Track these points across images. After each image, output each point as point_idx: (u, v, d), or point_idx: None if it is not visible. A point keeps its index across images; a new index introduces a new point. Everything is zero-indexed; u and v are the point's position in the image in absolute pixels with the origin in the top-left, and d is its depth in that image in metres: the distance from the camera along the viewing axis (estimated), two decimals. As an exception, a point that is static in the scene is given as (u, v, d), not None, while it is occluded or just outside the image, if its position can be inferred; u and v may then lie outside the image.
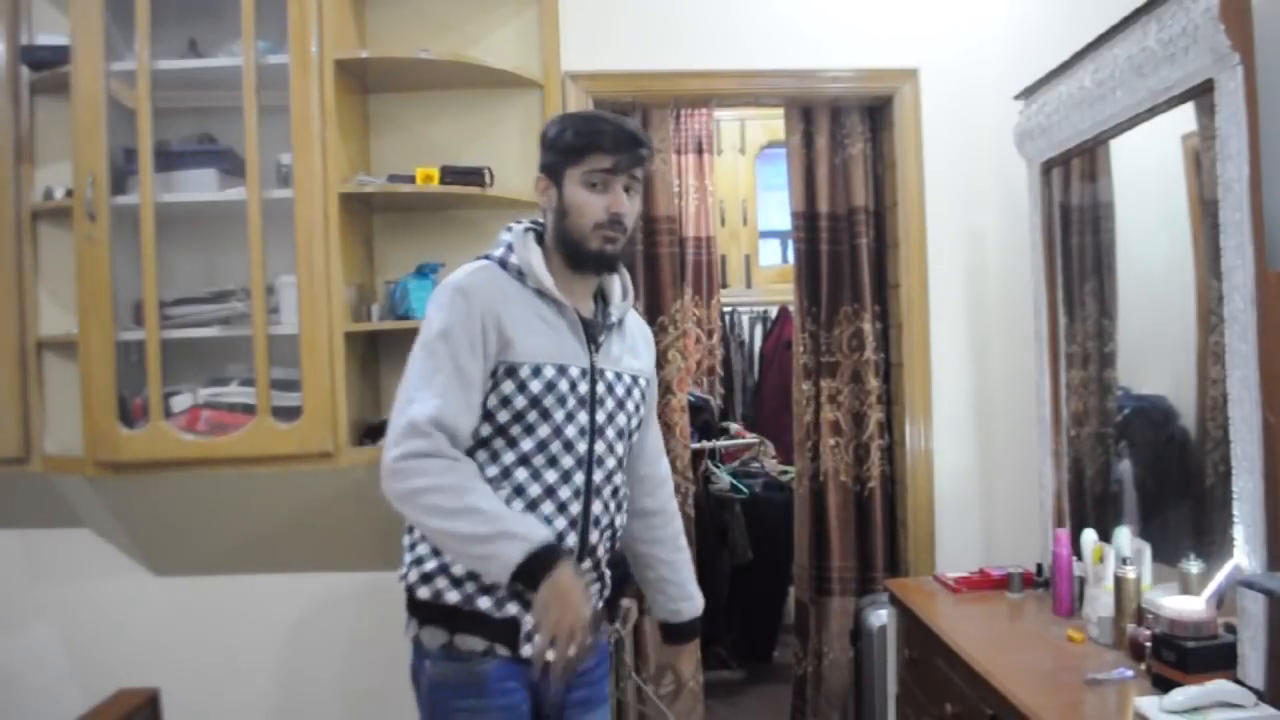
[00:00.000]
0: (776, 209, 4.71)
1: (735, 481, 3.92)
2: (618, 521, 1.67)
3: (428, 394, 1.49)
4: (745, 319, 4.73)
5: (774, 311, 4.64)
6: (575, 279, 1.64)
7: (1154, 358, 2.13)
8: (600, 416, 1.61)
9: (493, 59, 2.60)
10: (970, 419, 2.88)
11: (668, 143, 3.00)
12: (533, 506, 1.54)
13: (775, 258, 5.04)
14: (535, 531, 1.45)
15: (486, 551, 1.43)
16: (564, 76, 2.71)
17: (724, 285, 4.61)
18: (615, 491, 1.66)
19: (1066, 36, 2.17)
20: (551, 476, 1.56)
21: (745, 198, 4.85)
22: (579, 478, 1.58)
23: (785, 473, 3.97)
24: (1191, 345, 1.90)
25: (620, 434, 1.65)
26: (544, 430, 1.56)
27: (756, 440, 4.17)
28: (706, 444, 3.93)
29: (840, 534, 3.00)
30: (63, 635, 2.74)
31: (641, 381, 1.73)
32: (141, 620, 2.73)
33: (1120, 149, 2.12)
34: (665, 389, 2.99)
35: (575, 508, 1.58)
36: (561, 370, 1.57)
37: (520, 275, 1.59)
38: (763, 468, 4.09)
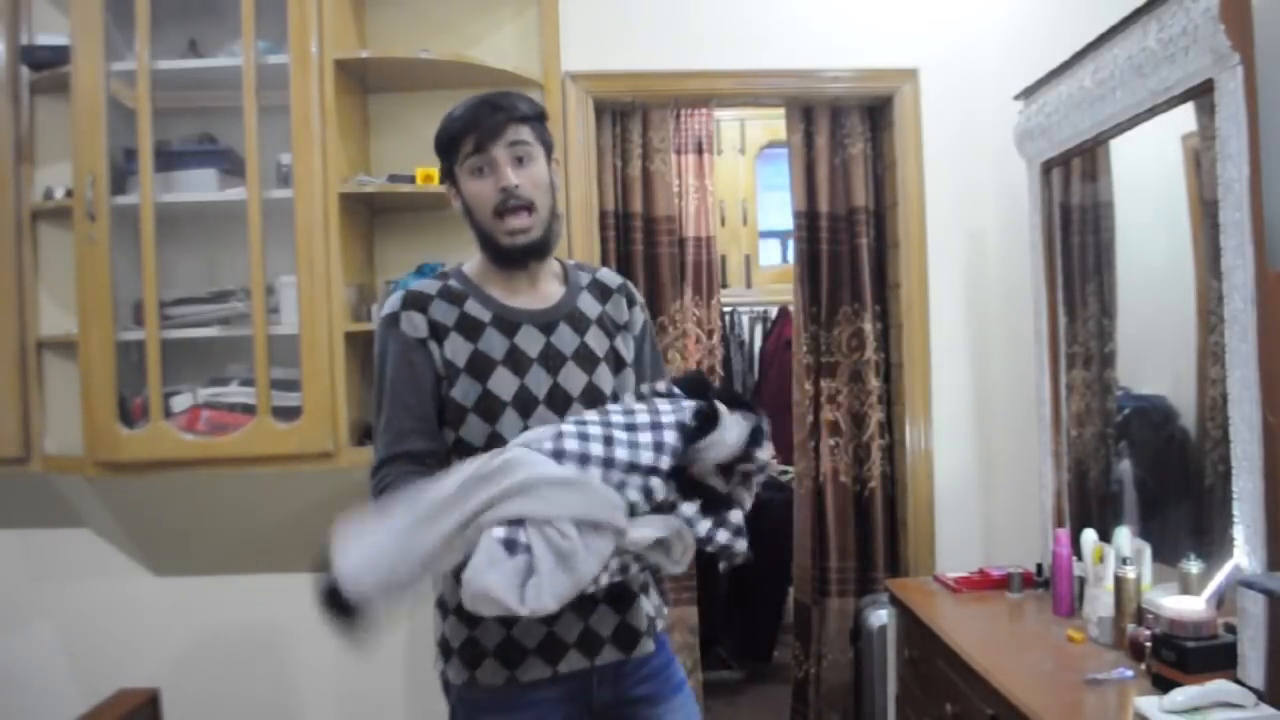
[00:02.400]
0: (776, 209, 4.70)
1: (735, 481, 3.91)
2: None
3: None
4: (745, 319, 4.73)
5: (774, 311, 4.64)
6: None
7: (1154, 358, 2.13)
8: None
9: (493, 59, 2.60)
10: (970, 419, 2.88)
11: (668, 143, 3.01)
12: None
13: (775, 258, 5.03)
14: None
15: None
16: (564, 76, 2.71)
17: (724, 285, 4.61)
18: None
19: (1066, 36, 2.17)
20: None
21: (745, 198, 4.85)
22: None
23: (785, 473, 3.97)
24: (1191, 345, 1.90)
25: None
26: None
27: (756, 440, 4.16)
28: (706, 444, 3.93)
29: (840, 534, 3.00)
30: (63, 635, 2.74)
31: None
32: (141, 620, 2.73)
33: (1120, 149, 2.12)
34: (665, 389, 2.99)
35: None
36: None
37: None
38: (763, 468, 4.09)
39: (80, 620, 2.73)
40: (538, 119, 1.54)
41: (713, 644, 3.82)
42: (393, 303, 1.50)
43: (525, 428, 1.43)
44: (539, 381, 1.48)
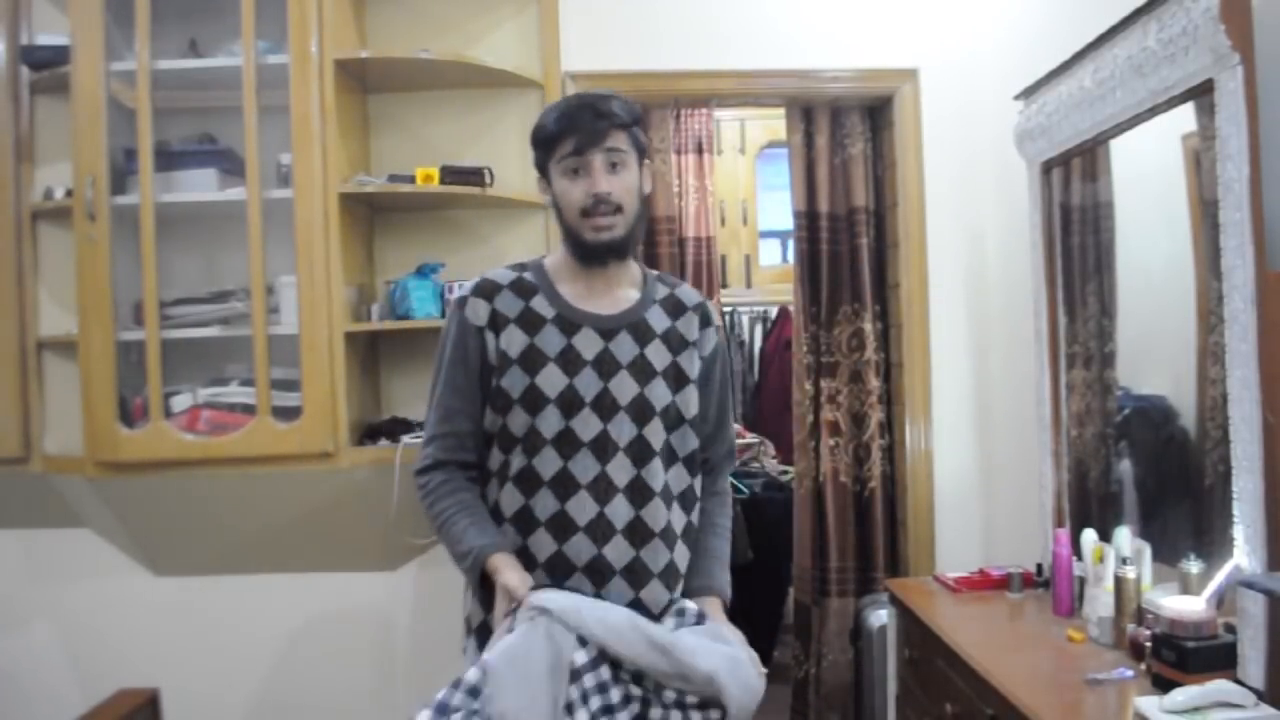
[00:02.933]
0: (776, 209, 4.70)
1: (735, 481, 3.91)
2: None
3: None
4: (745, 319, 4.73)
5: (774, 311, 4.64)
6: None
7: (1154, 358, 2.13)
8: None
9: (493, 59, 2.60)
10: (970, 419, 2.88)
11: (668, 143, 3.01)
12: None
13: (775, 258, 5.04)
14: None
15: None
16: (564, 76, 2.71)
17: (724, 285, 4.61)
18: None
19: (1066, 36, 2.17)
20: None
21: (745, 198, 4.85)
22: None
23: (785, 473, 3.96)
24: (1191, 345, 1.90)
25: None
26: None
27: (756, 440, 4.16)
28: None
29: (840, 534, 3.00)
30: (63, 635, 2.74)
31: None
32: (141, 620, 2.73)
33: (1120, 149, 2.12)
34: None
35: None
36: None
37: None
38: (763, 468, 4.09)
39: (80, 620, 2.73)
40: (635, 124, 1.59)
41: (713, 644, 3.81)
42: (466, 287, 1.61)
43: (566, 427, 1.52)
44: (589, 384, 1.53)
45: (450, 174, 2.46)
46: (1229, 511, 1.64)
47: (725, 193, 4.73)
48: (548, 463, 1.52)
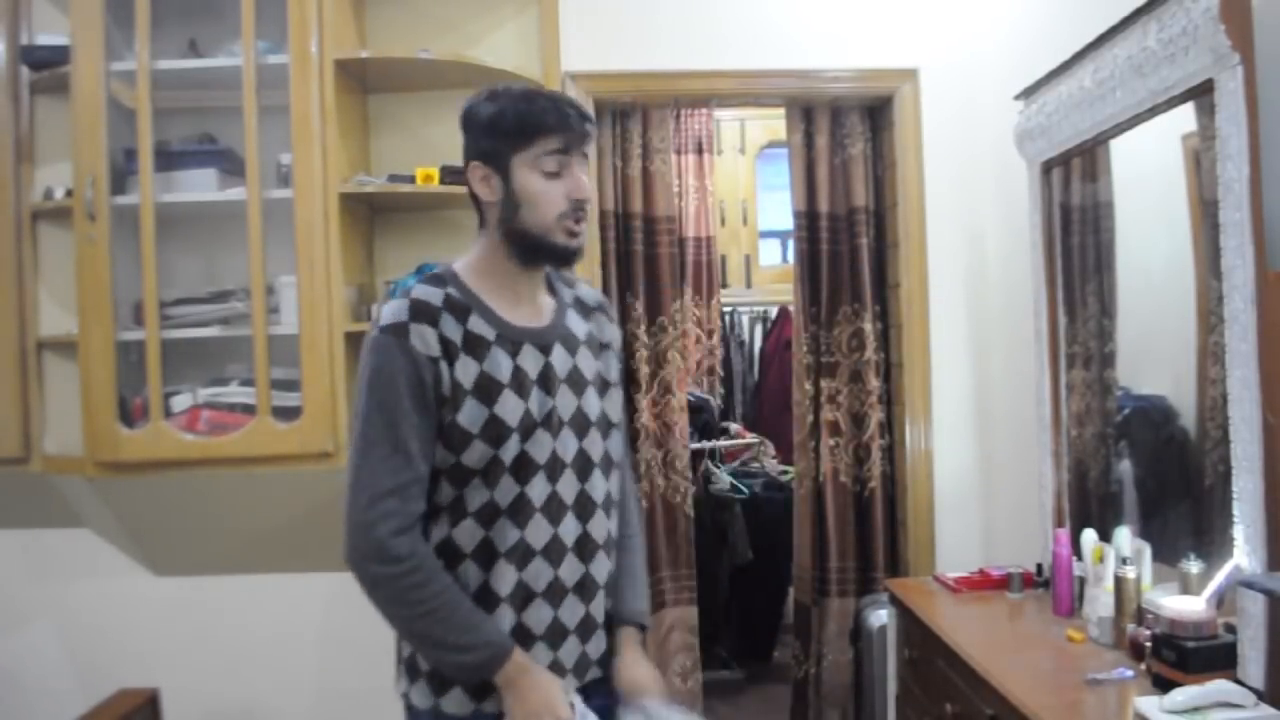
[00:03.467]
0: (776, 209, 4.71)
1: (735, 481, 3.92)
2: None
3: None
4: (745, 319, 4.73)
5: (774, 311, 4.64)
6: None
7: (1154, 358, 2.13)
8: None
9: (493, 59, 2.60)
10: (970, 419, 2.88)
11: (667, 143, 3.01)
12: None
13: (775, 258, 5.04)
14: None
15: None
16: (564, 76, 2.71)
17: (724, 285, 4.62)
18: None
19: (1066, 36, 2.17)
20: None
21: (745, 198, 4.85)
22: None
23: (785, 473, 3.97)
24: (1191, 345, 1.90)
25: None
26: None
27: (756, 440, 4.17)
28: (706, 444, 3.93)
29: (840, 534, 3.00)
30: (63, 635, 2.74)
31: None
32: (141, 620, 2.73)
33: (1120, 149, 2.12)
34: (665, 389, 2.99)
35: None
36: None
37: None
38: (763, 468, 4.09)
39: (80, 620, 2.73)
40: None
41: (713, 644, 3.81)
42: (398, 311, 1.37)
43: (522, 451, 1.40)
44: (539, 404, 1.43)
45: (450, 174, 2.46)
46: (1229, 511, 1.64)
47: (725, 193, 4.73)
48: (505, 491, 1.41)
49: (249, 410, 2.38)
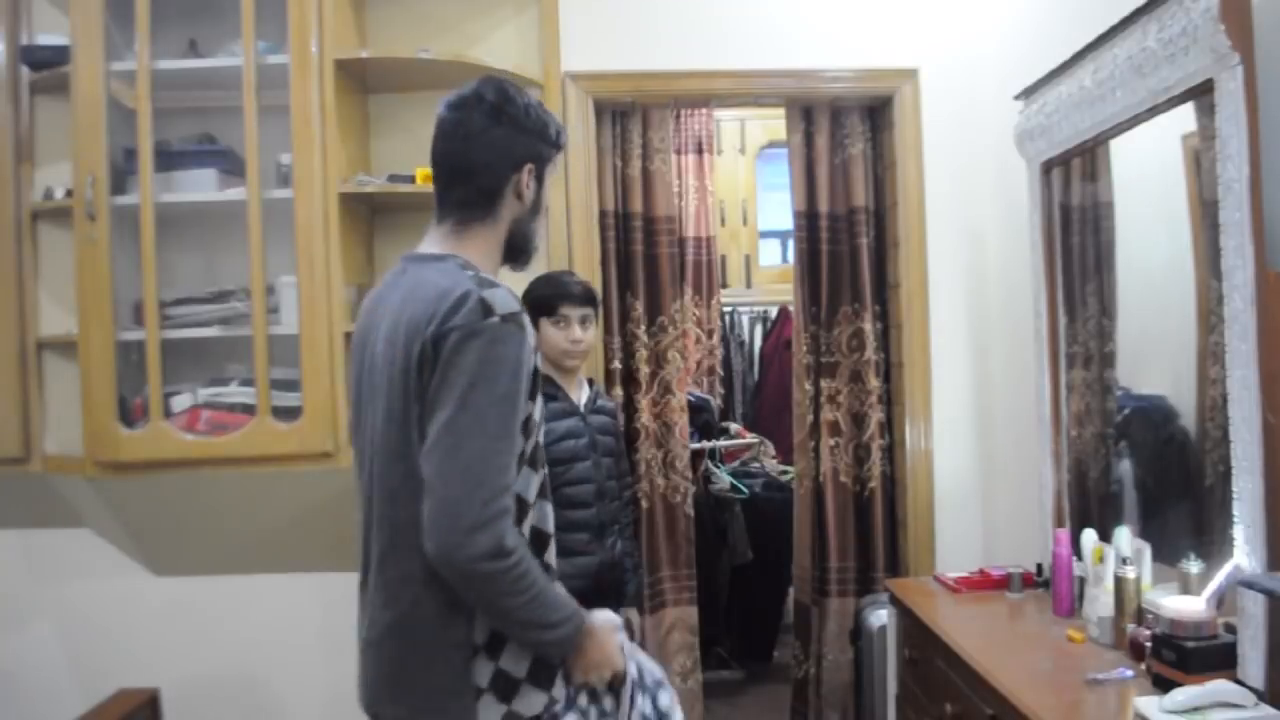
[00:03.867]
0: (776, 209, 4.71)
1: (735, 481, 3.91)
2: None
3: None
4: (745, 319, 4.73)
5: (774, 311, 4.64)
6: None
7: (1154, 358, 2.13)
8: None
9: (493, 59, 2.60)
10: (970, 419, 2.88)
11: (667, 143, 3.00)
12: None
13: (775, 258, 5.04)
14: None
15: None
16: (564, 76, 2.72)
17: (724, 285, 4.62)
18: None
19: (1066, 36, 2.17)
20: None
21: (745, 198, 4.85)
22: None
23: (785, 473, 3.97)
24: (1191, 345, 1.90)
25: None
26: None
27: (756, 440, 4.17)
28: (706, 444, 3.93)
29: (840, 534, 3.00)
30: (63, 635, 2.74)
31: None
32: (141, 620, 2.73)
33: (1120, 149, 2.12)
34: (665, 389, 2.99)
35: None
36: None
37: None
38: (763, 468, 4.09)
39: (80, 620, 2.73)
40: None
41: (713, 644, 3.81)
42: (509, 300, 1.34)
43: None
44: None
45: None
46: (1229, 511, 1.64)
47: (725, 193, 4.73)
48: (547, 518, 1.45)
49: (249, 410, 2.39)
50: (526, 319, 1.35)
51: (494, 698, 1.37)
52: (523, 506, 1.38)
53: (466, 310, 1.30)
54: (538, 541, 1.41)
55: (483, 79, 1.47)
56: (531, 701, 1.39)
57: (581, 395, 2.33)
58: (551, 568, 1.45)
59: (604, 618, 1.46)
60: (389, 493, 1.39)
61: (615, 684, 1.48)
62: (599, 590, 2.23)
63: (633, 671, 1.49)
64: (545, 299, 2.25)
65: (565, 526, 2.11)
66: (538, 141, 1.47)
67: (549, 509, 1.46)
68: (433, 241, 1.48)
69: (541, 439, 1.44)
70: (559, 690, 1.42)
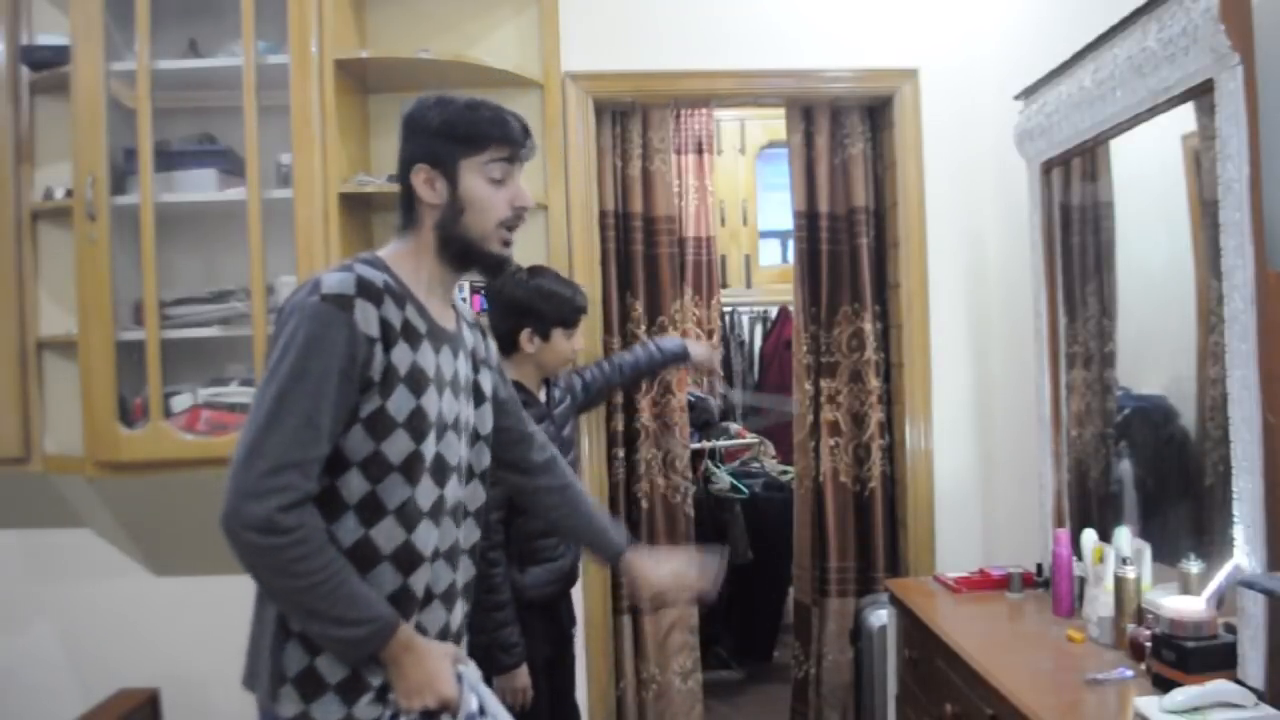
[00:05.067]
0: (776, 209, 4.71)
1: (735, 481, 3.92)
2: None
3: None
4: (745, 319, 4.73)
5: (774, 311, 4.64)
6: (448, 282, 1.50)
7: (1154, 358, 2.13)
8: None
9: (493, 59, 2.60)
10: (970, 419, 2.88)
11: (667, 143, 3.00)
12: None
13: (775, 258, 5.04)
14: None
15: None
16: (564, 76, 2.72)
17: (724, 285, 4.62)
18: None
19: (1066, 36, 2.17)
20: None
21: (745, 198, 4.85)
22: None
23: (785, 473, 3.97)
24: (1191, 345, 1.90)
25: None
26: None
27: (756, 440, 4.17)
28: (706, 444, 3.93)
29: (840, 534, 3.00)
30: (63, 635, 2.74)
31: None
32: (141, 620, 2.73)
33: (1120, 149, 2.12)
34: (665, 389, 2.99)
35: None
36: None
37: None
38: (763, 468, 4.09)
39: (80, 620, 2.73)
40: None
41: (713, 644, 3.82)
42: (343, 283, 1.33)
43: (437, 453, 1.40)
44: (449, 406, 1.44)
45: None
46: (1229, 511, 1.64)
47: (725, 193, 4.73)
48: (425, 492, 1.39)
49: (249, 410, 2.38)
50: (361, 304, 1.32)
51: (295, 692, 1.33)
52: (377, 510, 1.34)
53: (300, 289, 1.35)
54: (399, 559, 1.36)
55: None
56: (329, 710, 1.33)
57: (541, 394, 2.29)
58: (414, 594, 1.38)
59: (433, 642, 1.39)
60: None
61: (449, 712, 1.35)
62: (568, 587, 2.33)
63: (470, 705, 1.36)
64: (569, 314, 2.23)
65: (539, 533, 2.18)
66: (434, 140, 1.46)
67: (433, 533, 1.40)
68: (385, 248, 1.52)
69: (430, 450, 1.38)
70: (365, 710, 1.34)
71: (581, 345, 2.34)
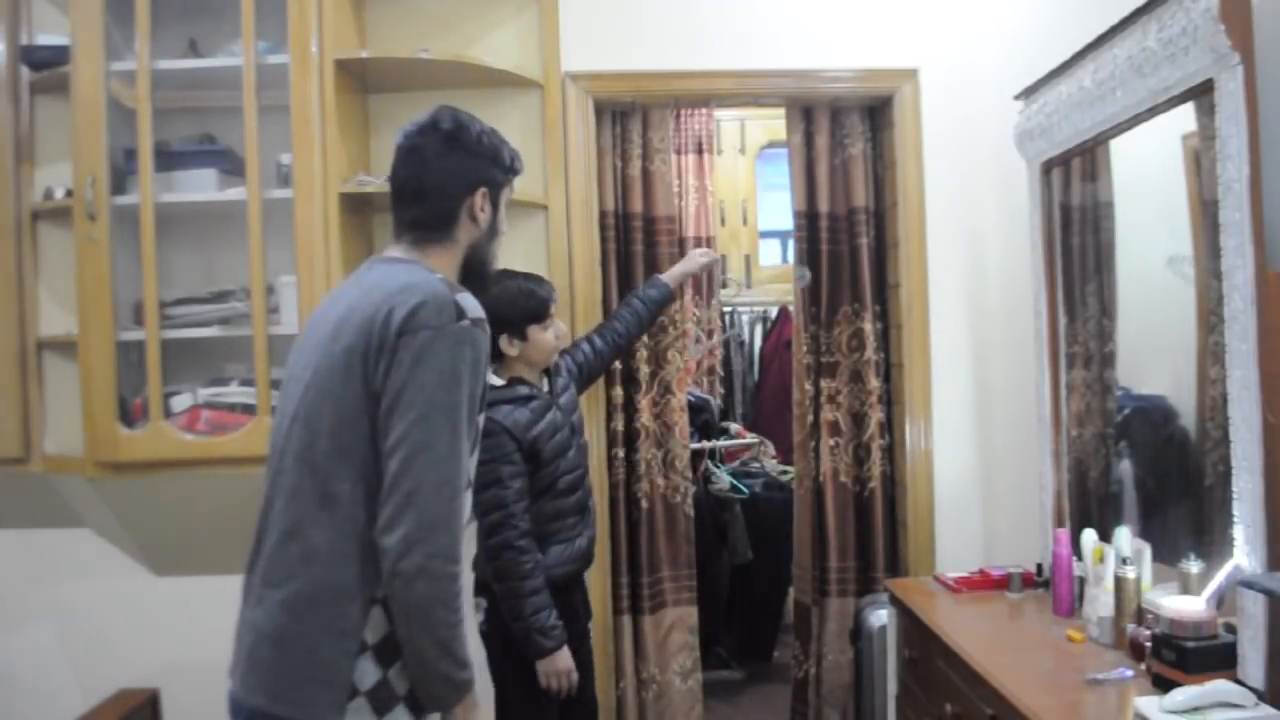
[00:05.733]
0: (776, 209, 4.71)
1: (735, 481, 3.91)
2: None
3: None
4: (745, 319, 4.73)
5: (774, 311, 4.64)
6: None
7: (1154, 358, 2.13)
8: None
9: (493, 59, 2.60)
10: (970, 419, 2.88)
11: (667, 143, 3.00)
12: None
13: (775, 258, 5.04)
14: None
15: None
16: (564, 76, 2.72)
17: (723, 285, 4.62)
18: None
19: (1066, 36, 2.17)
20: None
21: (745, 198, 4.85)
22: None
23: (785, 473, 3.97)
24: (1191, 345, 1.90)
25: None
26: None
27: (756, 440, 4.17)
28: (706, 444, 3.93)
29: (840, 534, 3.00)
30: (63, 635, 2.74)
31: None
32: (141, 620, 2.73)
33: (1120, 149, 2.12)
34: (665, 389, 2.99)
35: None
36: None
37: None
38: (763, 468, 4.09)
39: (80, 620, 2.73)
40: None
41: (713, 644, 3.81)
42: (477, 306, 1.38)
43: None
44: None
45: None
46: (1229, 511, 1.64)
47: (725, 193, 4.73)
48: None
49: (249, 410, 2.39)
50: (489, 327, 1.39)
51: (368, 705, 1.34)
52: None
53: (438, 309, 1.33)
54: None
55: (439, 108, 1.52)
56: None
57: (544, 384, 2.31)
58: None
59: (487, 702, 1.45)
60: (311, 468, 1.35)
61: None
62: (585, 568, 2.35)
63: None
64: (536, 308, 2.21)
65: (555, 515, 2.22)
66: (490, 166, 1.52)
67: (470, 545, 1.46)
68: (396, 253, 1.51)
69: (472, 475, 1.40)
70: None
71: (565, 330, 2.33)
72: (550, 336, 2.24)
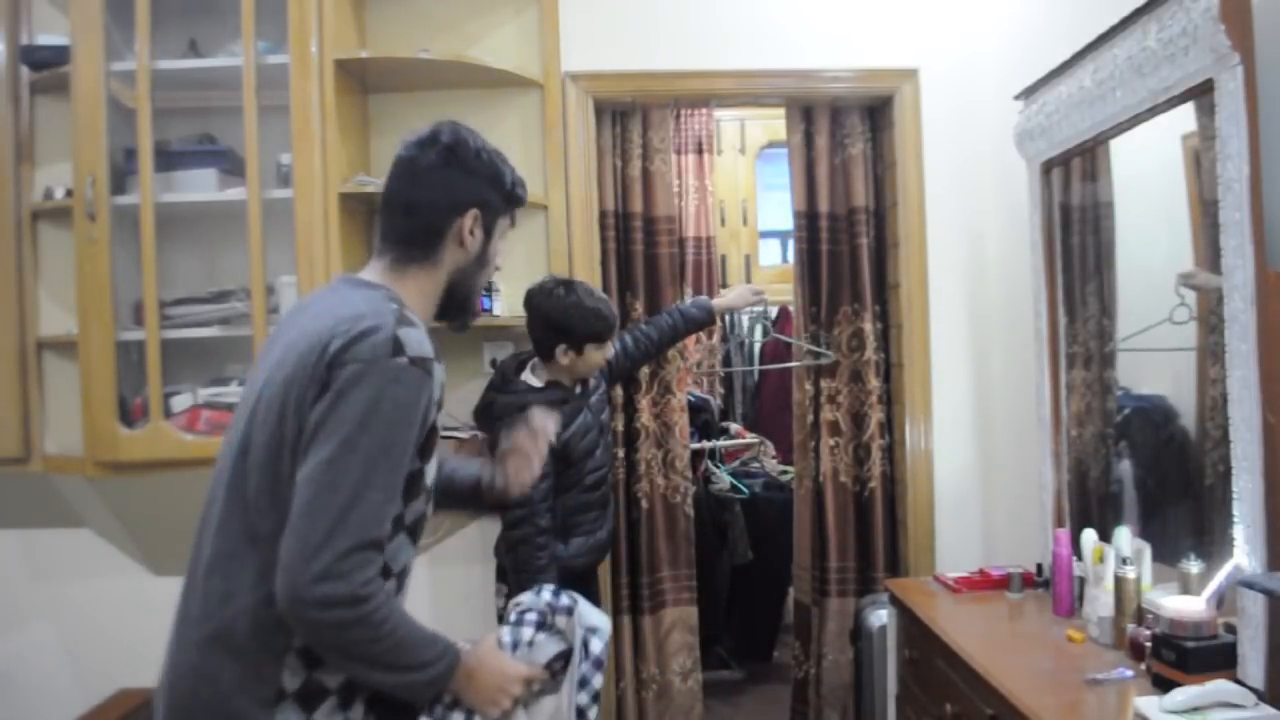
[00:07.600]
0: (776, 209, 4.70)
1: (735, 481, 3.91)
2: None
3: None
4: (745, 319, 4.73)
5: (774, 311, 4.64)
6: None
7: (1154, 358, 2.13)
8: None
9: (493, 59, 2.60)
10: (970, 419, 2.88)
11: (667, 143, 3.00)
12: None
13: (775, 258, 5.03)
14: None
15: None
16: (564, 76, 2.72)
17: (724, 285, 4.61)
18: None
19: (1066, 36, 2.17)
20: None
21: (745, 198, 4.84)
22: None
23: (785, 473, 3.97)
24: (1191, 345, 1.90)
25: None
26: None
27: (756, 440, 4.17)
28: (706, 444, 3.93)
29: (840, 534, 3.00)
30: (63, 635, 2.74)
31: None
32: (141, 620, 2.72)
33: (1120, 149, 2.12)
34: (665, 389, 2.99)
35: None
36: None
37: None
38: (763, 468, 4.09)
39: (80, 620, 2.73)
40: None
41: (713, 644, 3.81)
42: (424, 344, 1.26)
43: (423, 513, 1.35)
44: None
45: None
46: (1229, 511, 1.64)
47: (725, 193, 4.73)
48: (411, 554, 1.36)
49: (249, 410, 2.38)
50: (437, 368, 1.27)
51: (296, 705, 1.27)
52: (384, 572, 1.25)
53: (374, 343, 1.22)
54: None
55: (442, 122, 1.43)
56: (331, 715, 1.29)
57: (577, 386, 2.42)
58: None
59: (478, 645, 1.37)
60: (242, 503, 1.29)
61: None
62: (603, 558, 2.54)
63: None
64: (602, 331, 2.33)
65: (579, 509, 2.37)
66: (485, 187, 1.40)
67: (404, 597, 1.37)
68: (371, 273, 1.41)
69: (429, 510, 1.34)
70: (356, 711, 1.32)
71: (611, 353, 2.44)
72: (600, 357, 2.37)
